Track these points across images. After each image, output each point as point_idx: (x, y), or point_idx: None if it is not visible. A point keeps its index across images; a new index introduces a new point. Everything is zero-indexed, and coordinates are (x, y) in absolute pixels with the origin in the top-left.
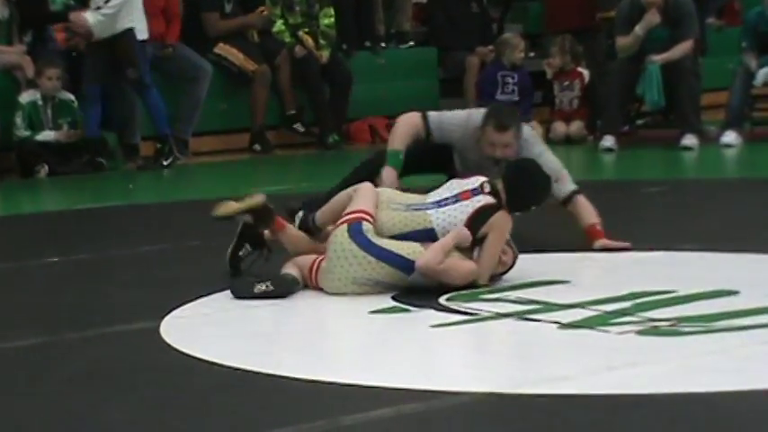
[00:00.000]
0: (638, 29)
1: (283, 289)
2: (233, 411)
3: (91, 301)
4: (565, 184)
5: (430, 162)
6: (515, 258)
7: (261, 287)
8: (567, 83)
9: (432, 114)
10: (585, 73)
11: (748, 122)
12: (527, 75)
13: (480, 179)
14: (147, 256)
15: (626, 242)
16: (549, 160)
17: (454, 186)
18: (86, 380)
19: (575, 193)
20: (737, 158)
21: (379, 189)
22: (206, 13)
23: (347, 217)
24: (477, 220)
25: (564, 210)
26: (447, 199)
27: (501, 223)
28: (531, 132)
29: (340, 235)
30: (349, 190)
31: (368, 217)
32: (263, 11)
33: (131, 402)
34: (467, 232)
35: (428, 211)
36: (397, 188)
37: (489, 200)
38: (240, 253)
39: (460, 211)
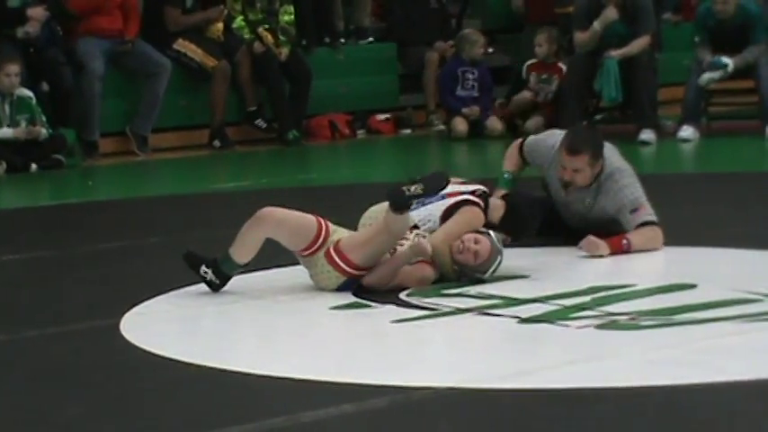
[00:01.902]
0: (596, 24)
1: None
2: (193, 408)
3: (50, 298)
4: (640, 215)
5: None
6: (493, 254)
7: (413, 189)
8: (545, 76)
9: (529, 139)
10: (565, 69)
11: (705, 117)
12: (487, 70)
13: (480, 188)
14: (106, 253)
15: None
16: (632, 192)
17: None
18: (46, 377)
19: (648, 223)
20: (695, 153)
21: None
22: (168, 7)
23: (355, 272)
24: (451, 213)
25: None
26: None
27: (469, 211)
28: (621, 163)
29: (335, 281)
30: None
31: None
32: (222, 10)
33: (91, 399)
34: (425, 245)
35: (411, 212)
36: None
37: (471, 199)
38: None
39: (438, 208)
